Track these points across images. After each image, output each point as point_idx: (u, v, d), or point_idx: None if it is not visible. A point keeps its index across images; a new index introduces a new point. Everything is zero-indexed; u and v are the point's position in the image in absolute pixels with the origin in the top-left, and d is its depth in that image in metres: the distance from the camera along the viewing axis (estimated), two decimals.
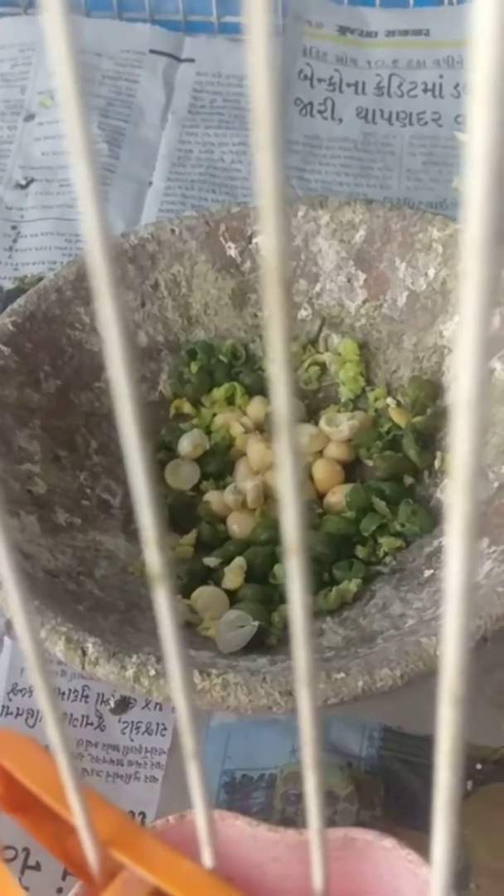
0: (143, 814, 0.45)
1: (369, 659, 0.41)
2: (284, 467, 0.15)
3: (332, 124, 0.73)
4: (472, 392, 0.14)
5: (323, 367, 0.56)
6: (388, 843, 0.31)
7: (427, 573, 0.48)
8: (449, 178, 0.68)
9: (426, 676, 0.40)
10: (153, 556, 0.16)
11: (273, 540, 0.49)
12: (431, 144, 0.71)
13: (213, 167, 0.71)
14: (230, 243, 0.56)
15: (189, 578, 0.49)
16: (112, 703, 0.48)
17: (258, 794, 0.45)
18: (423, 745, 0.46)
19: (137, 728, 0.48)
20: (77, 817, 0.21)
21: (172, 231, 0.56)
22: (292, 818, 0.44)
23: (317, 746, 0.19)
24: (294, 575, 0.17)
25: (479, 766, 0.45)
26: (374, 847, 0.32)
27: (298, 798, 0.44)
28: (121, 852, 0.22)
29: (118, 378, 0.16)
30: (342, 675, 0.39)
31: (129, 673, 0.40)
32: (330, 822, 0.43)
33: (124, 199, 0.69)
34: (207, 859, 0.22)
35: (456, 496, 0.15)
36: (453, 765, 0.18)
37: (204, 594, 0.48)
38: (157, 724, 0.48)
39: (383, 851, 0.32)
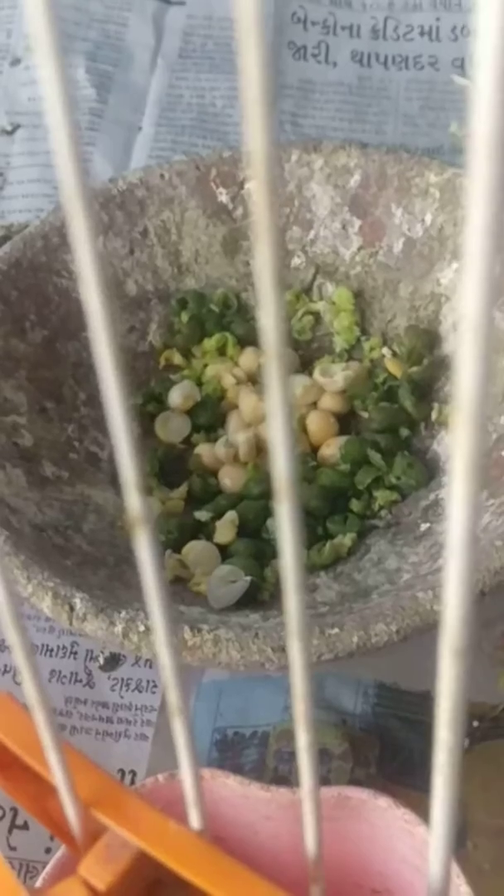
0: (133, 772, 0.45)
1: (364, 614, 0.40)
2: (274, 401, 0.14)
3: (326, 68, 0.71)
4: (479, 317, 0.13)
5: (317, 316, 0.55)
6: (384, 802, 0.31)
7: (423, 527, 0.47)
8: (446, 124, 0.66)
9: (423, 631, 0.39)
10: (133, 499, 0.15)
11: (266, 494, 0.48)
12: (428, 89, 0.69)
13: (204, 112, 0.69)
14: (221, 188, 0.54)
15: (180, 533, 0.48)
16: (101, 660, 0.47)
17: (250, 752, 0.44)
18: (419, 702, 0.45)
19: (127, 685, 0.47)
20: (56, 777, 0.20)
21: (162, 176, 0.54)
22: (285, 776, 0.43)
23: (309, 702, 0.18)
24: (284, 521, 0.16)
25: (475, 724, 0.44)
26: (368, 806, 0.31)
27: (291, 756, 0.43)
28: (103, 814, 0.21)
29: (94, 308, 0.15)
30: (336, 630, 0.38)
31: (118, 629, 0.39)
32: (324, 780, 0.43)
33: (113, 144, 0.68)
34: (195, 821, 0.21)
35: (460, 433, 0.14)
36: (454, 721, 0.17)
37: (195, 549, 0.47)
38: (148, 682, 0.47)
39: (378, 811, 0.31)
